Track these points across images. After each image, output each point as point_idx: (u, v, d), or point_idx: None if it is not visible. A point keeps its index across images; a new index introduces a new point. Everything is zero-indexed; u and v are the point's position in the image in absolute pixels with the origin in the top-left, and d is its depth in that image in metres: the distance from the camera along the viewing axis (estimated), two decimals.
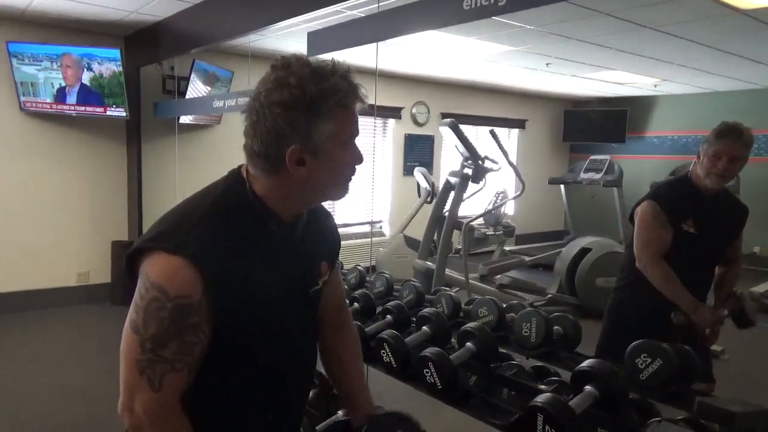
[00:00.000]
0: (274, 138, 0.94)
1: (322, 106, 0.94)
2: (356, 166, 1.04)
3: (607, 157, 6.83)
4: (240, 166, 1.05)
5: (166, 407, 0.93)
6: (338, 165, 1.00)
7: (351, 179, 1.05)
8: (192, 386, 0.97)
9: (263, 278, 0.99)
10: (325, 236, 1.18)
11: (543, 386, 1.56)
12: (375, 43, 2.72)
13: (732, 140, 2.14)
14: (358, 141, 1.05)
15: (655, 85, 7.36)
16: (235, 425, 1.05)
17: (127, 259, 0.97)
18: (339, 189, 1.05)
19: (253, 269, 0.97)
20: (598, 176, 6.60)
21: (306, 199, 1.04)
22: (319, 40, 2.98)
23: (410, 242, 5.71)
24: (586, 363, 1.34)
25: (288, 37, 4.66)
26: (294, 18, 3.15)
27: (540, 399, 1.23)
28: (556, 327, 1.79)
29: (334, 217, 1.26)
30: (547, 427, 1.21)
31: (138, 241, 0.96)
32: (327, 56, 1.02)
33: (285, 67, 0.95)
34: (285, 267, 1.05)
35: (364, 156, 1.06)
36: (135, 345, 0.91)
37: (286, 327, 1.06)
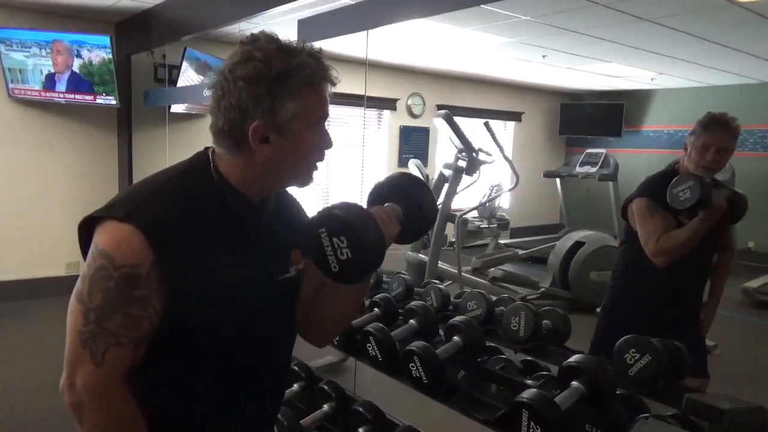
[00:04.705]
0: (238, 114, 0.91)
1: (288, 82, 0.91)
2: (325, 151, 1.01)
3: (602, 150, 6.81)
4: (207, 148, 1.02)
5: (107, 384, 0.89)
6: (304, 146, 0.97)
7: (317, 166, 1.02)
8: (147, 373, 0.93)
9: (222, 258, 0.95)
10: (296, 224, 1.13)
11: (530, 381, 1.54)
12: (366, 32, 2.68)
13: (720, 131, 2.12)
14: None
15: (652, 79, 7.33)
16: (194, 418, 1.01)
17: (80, 228, 0.93)
18: (304, 174, 1.01)
19: (211, 247, 0.94)
20: (593, 170, 6.59)
21: (270, 180, 1.00)
22: (309, 27, 2.94)
23: None
24: (573, 358, 1.31)
25: (280, 25, 4.60)
26: (285, 5, 3.09)
27: (525, 395, 1.21)
28: (545, 321, 1.77)
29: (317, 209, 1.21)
30: (532, 424, 1.18)
31: (92, 211, 0.93)
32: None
33: (252, 42, 0.92)
34: (249, 249, 1.00)
35: (334, 142, 1.02)
36: (79, 315, 0.88)
37: (246, 312, 1.01)
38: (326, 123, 1.01)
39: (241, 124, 0.92)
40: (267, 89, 0.90)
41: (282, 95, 0.90)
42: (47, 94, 4.73)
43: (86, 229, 0.92)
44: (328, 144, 1.00)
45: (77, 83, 4.74)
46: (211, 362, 0.99)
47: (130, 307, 0.88)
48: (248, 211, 1.00)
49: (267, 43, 0.92)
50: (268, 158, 0.95)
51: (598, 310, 2.51)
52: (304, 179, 1.02)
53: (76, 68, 4.70)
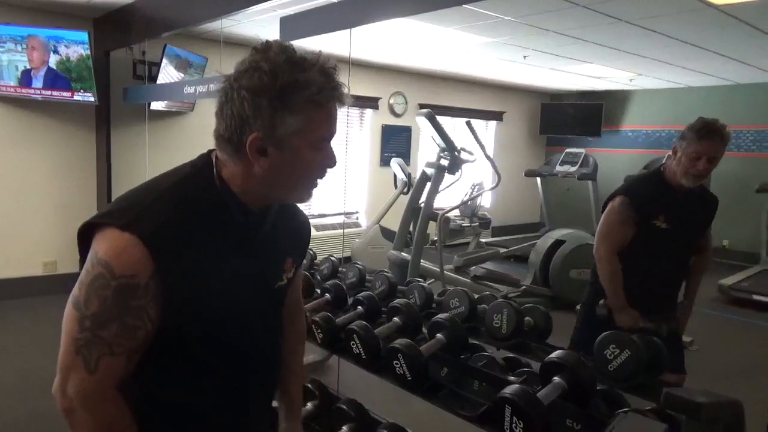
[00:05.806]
0: (238, 123, 0.90)
1: (292, 97, 0.88)
2: (328, 169, 0.99)
3: (582, 150, 6.90)
4: (211, 150, 1.00)
5: (99, 391, 0.88)
6: (305, 164, 0.95)
7: (317, 183, 1.00)
8: (144, 378, 0.93)
9: (222, 267, 0.94)
10: (293, 231, 1.14)
11: (512, 377, 1.55)
12: (348, 30, 2.67)
13: (713, 141, 2.11)
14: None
15: (631, 80, 7.44)
16: (188, 422, 1.01)
17: (79, 234, 0.92)
18: (302, 190, 1.00)
19: (211, 256, 0.93)
20: (573, 169, 6.66)
21: (267, 192, 0.98)
22: (292, 25, 2.92)
23: (386, 233, 5.69)
24: (554, 354, 1.33)
25: (262, 23, 4.56)
26: (267, 3, 3.08)
27: (508, 391, 1.22)
28: (527, 318, 1.79)
29: (304, 211, 1.22)
30: (515, 419, 1.19)
31: (92, 216, 0.91)
32: (313, 50, 0.94)
33: (263, 51, 0.90)
34: (248, 258, 1.00)
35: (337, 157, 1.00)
36: (74, 322, 0.87)
37: (244, 320, 1.01)
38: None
39: (240, 134, 0.90)
40: (269, 102, 0.88)
41: (283, 110, 0.89)
42: (23, 91, 4.63)
43: (85, 234, 0.91)
44: (331, 163, 0.98)
45: (54, 79, 4.65)
46: (209, 368, 0.99)
47: (126, 316, 0.87)
48: (249, 219, 0.99)
49: (277, 53, 0.89)
50: (266, 170, 0.93)
51: (578, 307, 2.55)
52: (302, 194, 1.01)
53: (52, 64, 4.61)
